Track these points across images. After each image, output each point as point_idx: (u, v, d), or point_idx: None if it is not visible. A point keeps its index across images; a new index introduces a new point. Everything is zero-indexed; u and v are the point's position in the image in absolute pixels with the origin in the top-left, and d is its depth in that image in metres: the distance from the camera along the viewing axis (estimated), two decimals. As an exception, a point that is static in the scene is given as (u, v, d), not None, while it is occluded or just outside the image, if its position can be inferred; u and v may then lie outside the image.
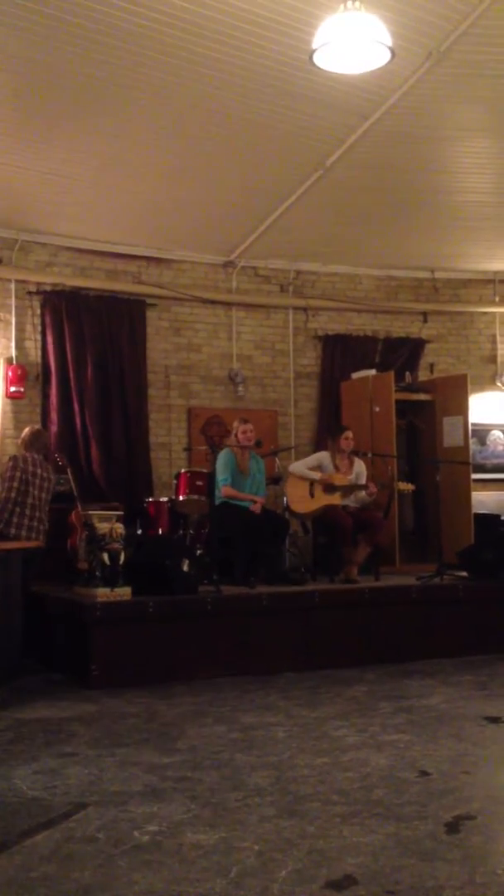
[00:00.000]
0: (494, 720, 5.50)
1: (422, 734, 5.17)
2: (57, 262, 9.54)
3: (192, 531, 8.31)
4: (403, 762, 4.61)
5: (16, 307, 9.28)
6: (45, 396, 9.31)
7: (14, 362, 9.17)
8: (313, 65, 5.72)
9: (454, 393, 9.87)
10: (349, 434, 8.54)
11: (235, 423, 8.44)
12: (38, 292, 9.37)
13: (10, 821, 3.81)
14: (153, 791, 4.19)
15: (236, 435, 8.30)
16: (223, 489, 8.03)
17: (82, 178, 7.99)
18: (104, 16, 5.53)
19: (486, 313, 11.22)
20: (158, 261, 10.03)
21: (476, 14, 5.66)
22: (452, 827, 3.65)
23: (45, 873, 3.24)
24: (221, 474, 8.08)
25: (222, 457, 8.13)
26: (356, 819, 3.76)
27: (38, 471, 7.15)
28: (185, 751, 4.88)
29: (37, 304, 9.38)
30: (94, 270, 9.74)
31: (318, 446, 9.77)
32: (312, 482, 8.32)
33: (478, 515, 9.56)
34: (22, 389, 9.12)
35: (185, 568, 7.24)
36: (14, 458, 7.19)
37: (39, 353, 9.35)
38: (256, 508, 8.05)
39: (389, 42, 5.36)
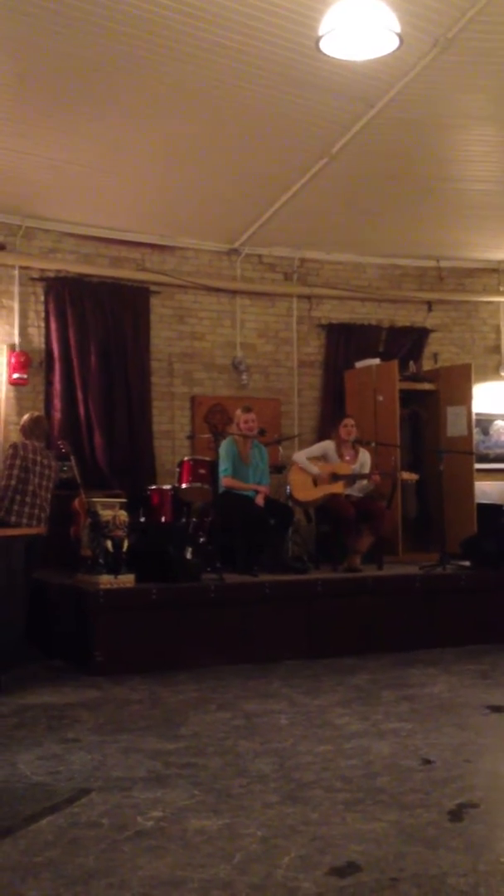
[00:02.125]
0: (497, 709, 5.51)
1: (424, 722, 5.18)
2: (61, 249, 9.52)
3: (195, 519, 8.32)
4: (406, 750, 4.62)
5: (19, 294, 9.25)
6: (49, 383, 9.30)
7: (17, 349, 9.15)
8: (320, 51, 5.69)
9: (458, 382, 9.85)
10: (348, 422, 8.53)
11: (237, 412, 8.43)
12: (41, 279, 9.35)
13: (14, 806, 3.83)
14: (157, 777, 4.20)
15: (238, 424, 8.30)
16: (223, 480, 8.02)
17: (87, 165, 7.96)
18: (110, 1, 5.50)
19: (490, 303, 11.19)
20: (162, 248, 10.01)
21: (484, 1, 5.63)
22: (455, 815, 3.66)
23: (50, 858, 3.25)
24: (223, 464, 8.08)
25: (224, 446, 8.13)
26: (359, 806, 3.77)
27: (39, 458, 7.14)
28: (188, 737, 4.90)
29: (40, 290, 9.35)
30: (98, 257, 9.71)
31: (321, 435, 9.76)
32: (314, 476, 8.33)
33: (480, 505, 9.56)
34: (25, 376, 9.10)
35: (188, 556, 7.25)
36: (14, 446, 7.18)
37: (43, 339, 9.33)
38: (260, 500, 8.04)
39: (397, 28, 5.33)
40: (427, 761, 4.43)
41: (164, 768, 4.34)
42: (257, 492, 8.09)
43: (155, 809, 3.75)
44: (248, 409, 8.38)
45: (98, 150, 7.70)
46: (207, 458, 8.54)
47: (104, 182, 8.39)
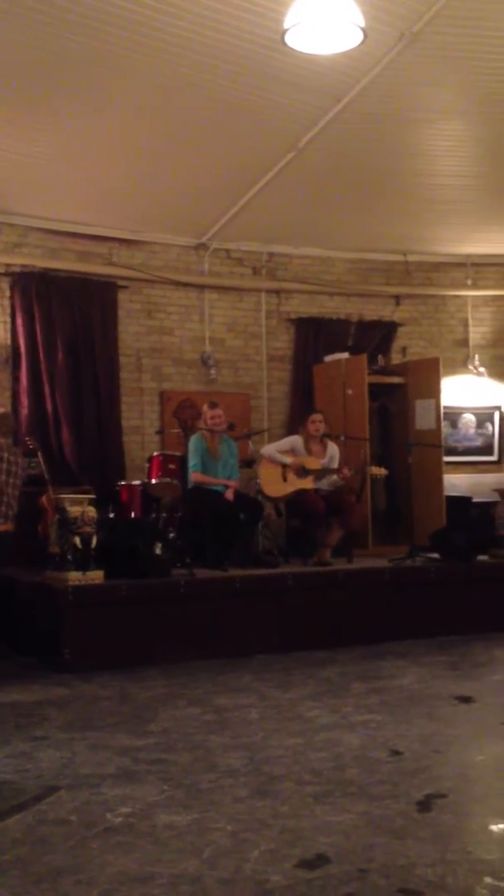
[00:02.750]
0: (465, 700, 5.56)
1: (394, 714, 5.21)
2: (27, 243, 9.44)
3: (164, 514, 8.29)
4: (375, 742, 4.64)
5: (-16, 289, 9.18)
6: (15, 379, 9.22)
7: (-17, 345, 9.08)
8: (285, 45, 5.68)
9: (426, 376, 9.89)
10: (316, 417, 8.54)
11: (204, 408, 8.42)
12: (7, 274, 9.26)
13: (-18, 804, 3.80)
14: (126, 773, 4.19)
15: (205, 420, 8.29)
16: (193, 475, 8.02)
17: (52, 159, 7.90)
18: (74, -7, 5.46)
19: (458, 296, 11.24)
20: (130, 242, 9.96)
21: (448, -5, 5.64)
22: (424, 805, 3.68)
23: (18, 856, 3.23)
24: (192, 460, 8.07)
25: (193, 442, 8.12)
26: (329, 799, 3.78)
27: (5, 454, 7.06)
28: (158, 733, 4.89)
29: (6, 285, 9.27)
30: (65, 252, 9.64)
31: (290, 429, 9.77)
32: (285, 466, 8.32)
33: (449, 498, 9.60)
34: (-9, 372, 9.04)
35: (158, 551, 7.23)
36: (-22, 443, 7.10)
37: (9, 335, 9.24)
38: (229, 494, 8.04)
39: (362, 23, 5.33)
40: (396, 752, 4.45)
41: (133, 764, 4.33)
42: (227, 486, 8.09)
43: (124, 806, 3.74)
44: (214, 405, 8.36)
45: (64, 144, 7.64)
46: (177, 454, 8.52)
47: (70, 176, 8.33)
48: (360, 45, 5.67)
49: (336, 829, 3.44)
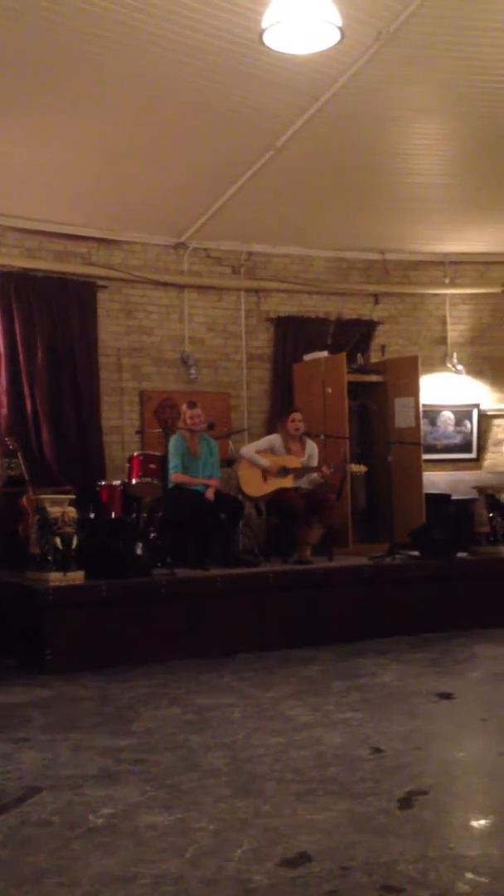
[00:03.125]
0: (446, 696, 5.59)
1: (375, 712, 5.23)
2: (4, 243, 9.40)
3: (145, 514, 8.29)
4: (357, 740, 4.66)
5: (-37, 289, 9.13)
6: (-6, 380, 9.19)
7: (-38, 345, 9.03)
8: (263, 44, 5.69)
9: (405, 374, 9.93)
10: (296, 416, 8.55)
11: (183, 408, 8.42)
12: (-15, 274, 9.23)
13: (-37, 807, 3.79)
14: (108, 774, 4.19)
15: (184, 420, 8.29)
16: (173, 476, 8.02)
17: (30, 158, 7.87)
18: (50, -8, 5.44)
19: (436, 295, 11.29)
20: (109, 242, 9.94)
21: (425, -5, 5.67)
22: (405, 802, 3.70)
23: (0, 858, 3.22)
24: (172, 460, 8.06)
25: (172, 442, 8.11)
26: (310, 797, 3.80)
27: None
28: (140, 733, 4.89)
29: (-16, 286, 9.24)
30: (43, 252, 9.61)
31: (270, 428, 9.78)
32: (264, 469, 8.34)
33: (429, 495, 9.66)
34: (-30, 373, 8.99)
35: (139, 551, 7.22)
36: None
37: (-12, 335, 9.21)
38: (210, 494, 8.04)
39: (339, 22, 5.35)
40: (377, 750, 4.47)
41: (115, 765, 4.32)
42: (208, 486, 8.09)
43: (106, 806, 3.74)
44: (193, 405, 8.36)
45: (41, 143, 7.61)
46: (157, 454, 8.51)
47: (48, 175, 8.30)
48: (337, 45, 5.69)
49: (318, 827, 3.45)
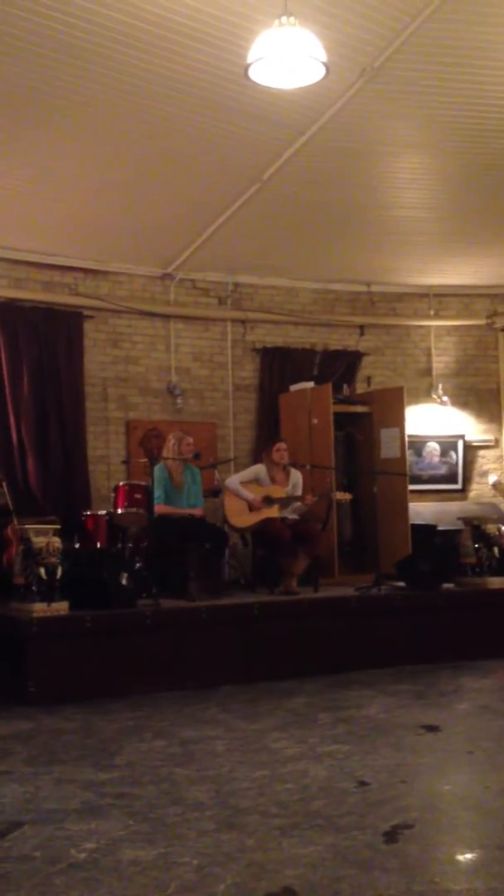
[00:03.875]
0: (432, 729, 5.55)
1: (360, 744, 5.19)
2: (-8, 274, 9.44)
3: (130, 544, 8.24)
4: (342, 773, 4.62)
5: (-50, 319, 9.13)
6: (-20, 409, 9.18)
7: None
8: (249, 79, 5.75)
9: (391, 405, 9.97)
10: (281, 446, 8.57)
11: (173, 437, 8.42)
12: (-28, 304, 9.25)
13: None
14: (90, 808, 4.13)
15: (179, 446, 8.28)
16: (156, 507, 8.00)
17: (16, 189, 7.92)
18: (37, 26, 5.50)
19: (421, 326, 11.38)
20: (96, 272, 9.98)
21: (408, 32, 5.76)
22: (390, 836, 3.66)
23: (-21, 895, 3.18)
24: (156, 491, 8.05)
25: (156, 473, 8.09)
26: (295, 831, 3.76)
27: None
28: (123, 766, 4.83)
29: (-29, 315, 9.25)
30: (30, 282, 9.64)
31: (256, 458, 9.79)
32: (249, 502, 8.33)
33: (415, 526, 9.66)
34: (-44, 402, 8.98)
35: (124, 581, 7.18)
36: None
37: (-26, 365, 9.21)
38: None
39: (324, 58, 5.41)
40: (363, 783, 4.43)
41: (97, 799, 4.27)
42: (192, 516, 8.09)
43: (88, 841, 3.69)
44: (186, 433, 8.42)
45: (28, 174, 7.66)
46: (143, 483, 8.48)
47: (35, 206, 8.35)
48: (322, 80, 5.75)
49: (303, 861, 3.41)
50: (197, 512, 8.17)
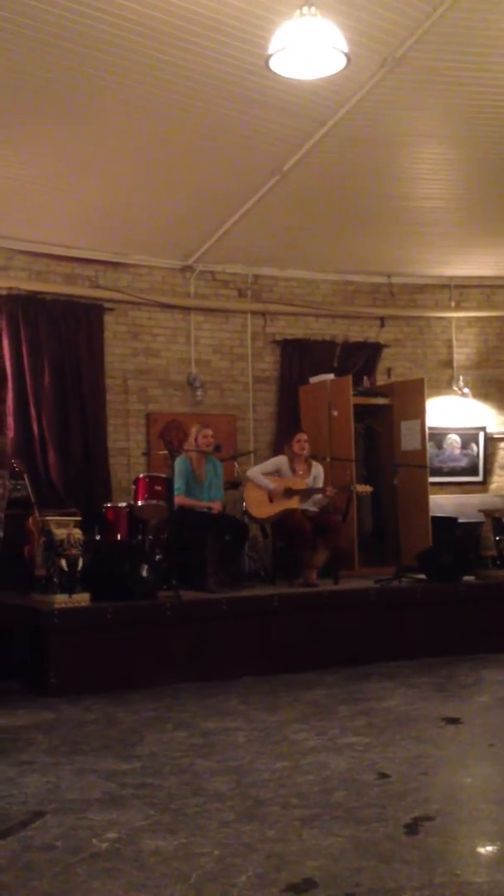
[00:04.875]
0: (452, 721, 5.54)
1: (381, 736, 5.19)
2: (12, 266, 9.46)
3: (150, 536, 8.26)
4: (363, 764, 4.62)
5: (-30, 312, 9.17)
6: (1, 402, 9.22)
7: (-31, 367, 9.07)
8: (269, 70, 5.73)
9: (411, 397, 9.93)
10: (301, 437, 8.55)
11: (197, 427, 8.43)
12: (-7, 297, 9.28)
13: (-34, 831, 3.76)
14: (112, 798, 4.16)
15: (196, 439, 8.30)
16: (176, 499, 8.01)
17: (38, 182, 7.94)
18: (60, 19, 5.51)
19: (442, 318, 11.32)
20: (116, 265, 9.99)
21: (430, 21, 5.72)
22: (411, 828, 3.67)
23: (3, 882, 3.20)
24: (176, 482, 8.06)
25: (177, 464, 8.11)
26: (316, 822, 3.76)
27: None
28: (144, 757, 4.86)
29: (-8, 308, 9.29)
30: (51, 274, 9.66)
31: (276, 451, 9.78)
32: (269, 491, 8.32)
33: (435, 518, 9.63)
34: (-23, 395, 9.02)
35: (144, 573, 7.21)
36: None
37: (-5, 358, 9.25)
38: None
39: (345, 48, 5.39)
40: (383, 775, 4.43)
41: (119, 789, 4.29)
42: (211, 510, 8.10)
43: (110, 831, 3.71)
44: (206, 425, 8.42)
45: (49, 167, 7.68)
46: (163, 475, 8.50)
47: (56, 199, 8.37)
48: (343, 70, 5.73)
49: (323, 852, 3.42)
50: (215, 506, 8.18)
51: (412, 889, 3.06)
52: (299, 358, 10.67)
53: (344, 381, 9.82)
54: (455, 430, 11.07)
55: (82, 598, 6.78)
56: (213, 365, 10.46)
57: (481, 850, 3.50)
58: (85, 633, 6.64)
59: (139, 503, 8.22)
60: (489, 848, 3.52)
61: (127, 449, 9.91)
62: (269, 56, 5.51)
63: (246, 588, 8.00)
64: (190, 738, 5.23)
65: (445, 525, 9.60)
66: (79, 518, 7.22)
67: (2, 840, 3.63)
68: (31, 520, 7.91)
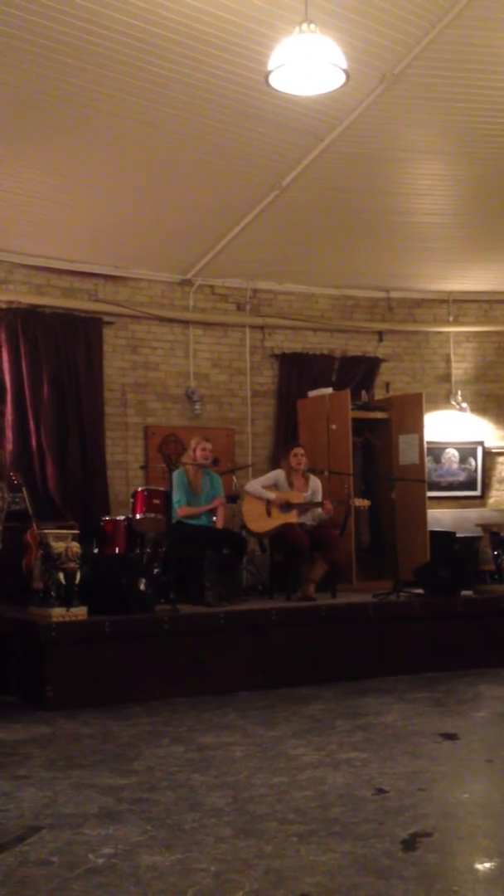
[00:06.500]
0: (450, 737, 5.53)
1: (378, 752, 5.17)
2: (12, 280, 9.48)
3: (148, 549, 8.26)
4: (360, 780, 4.60)
5: (-30, 325, 9.19)
6: (0, 415, 9.22)
7: (-32, 380, 9.07)
8: (269, 86, 5.76)
9: (410, 411, 9.95)
10: (298, 451, 8.55)
11: (194, 441, 8.44)
12: (-7, 310, 9.30)
13: (-38, 846, 3.75)
14: (108, 813, 4.14)
15: (194, 452, 8.31)
16: (178, 511, 8.03)
17: (37, 195, 7.97)
18: (63, 35, 5.54)
19: (440, 332, 11.35)
20: (115, 278, 10.02)
21: (428, 38, 5.77)
22: (409, 844, 3.65)
23: (-2, 899, 3.19)
24: (175, 495, 8.08)
25: (175, 477, 8.12)
26: (313, 838, 3.75)
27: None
28: (141, 772, 4.84)
29: (-8, 321, 9.30)
30: (50, 288, 9.69)
31: (274, 464, 9.78)
32: (269, 501, 8.32)
33: (433, 533, 9.63)
34: (-24, 407, 9.03)
35: (142, 587, 7.19)
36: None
37: (-6, 370, 9.26)
38: (219, 523, 8.15)
39: (344, 65, 5.42)
40: (381, 791, 4.42)
41: (115, 804, 4.28)
42: (215, 511, 8.12)
43: (106, 846, 3.69)
44: (206, 439, 8.44)
45: (49, 181, 7.71)
46: (161, 489, 8.50)
47: (55, 213, 8.40)
48: (342, 87, 5.76)
49: (320, 868, 3.41)
50: (218, 501, 8.21)
51: (409, 906, 3.05)
52: (298, 372, 10.69)
53: (342, 395, 9.83)
54: (453, 445, 11.09)
55: (80, 612, 6.77)
56: (212, 378, 10.48)
57: (479, 866, 3.49)
58: (82, 646, 6.62)
59: (137, 516, 8.22)
60: (487, 864, 3.50)
61: (125, 462, 9.91)
62: (269, 72, 5.53)
63: (244, 602, 8.00)
64: (187, 753, 5.21)
65: (443, 539, 9.59)
66: (77, 531, 7.22)
67: (-2, 855, 3.61)
68: (29, 533, 7.91)
